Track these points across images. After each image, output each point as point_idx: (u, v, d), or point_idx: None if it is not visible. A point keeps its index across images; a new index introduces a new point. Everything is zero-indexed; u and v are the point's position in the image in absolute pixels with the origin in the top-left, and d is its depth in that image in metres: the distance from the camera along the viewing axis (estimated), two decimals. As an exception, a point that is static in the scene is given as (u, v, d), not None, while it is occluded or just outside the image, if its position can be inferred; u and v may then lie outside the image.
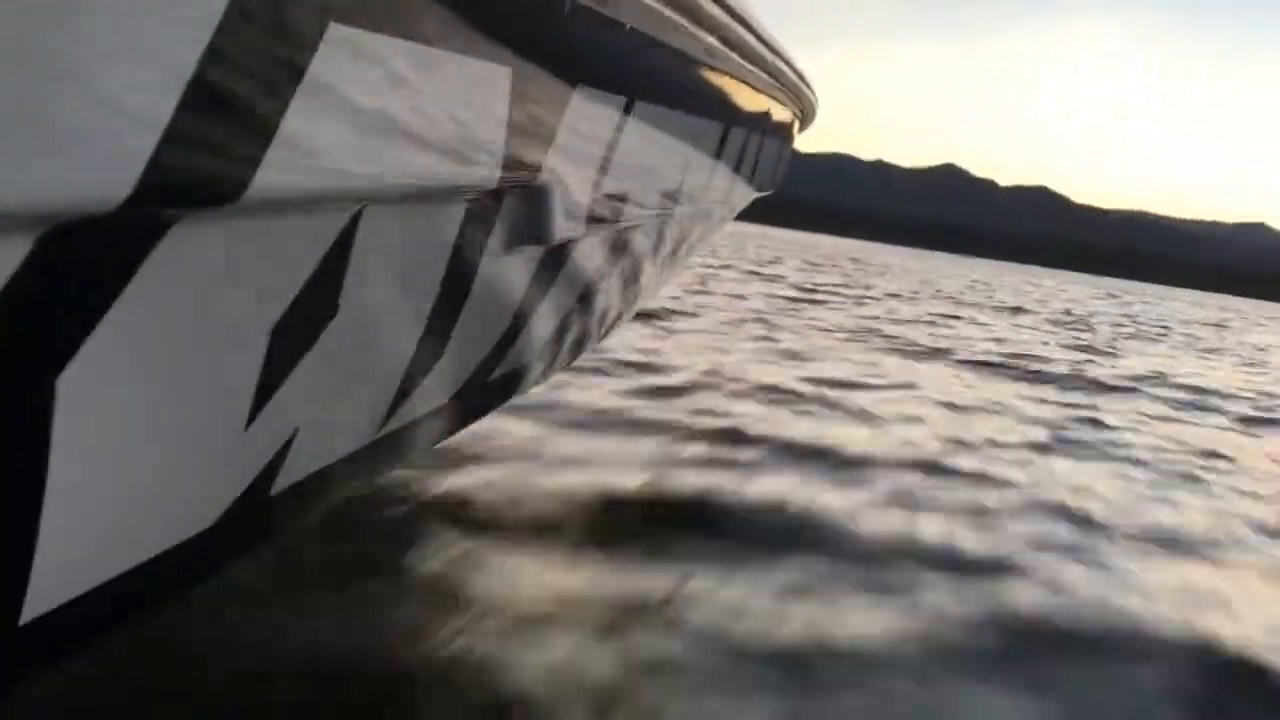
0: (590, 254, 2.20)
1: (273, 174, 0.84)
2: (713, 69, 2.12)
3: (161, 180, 0.71)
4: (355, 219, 1.16)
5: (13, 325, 0.78)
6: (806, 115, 3.69)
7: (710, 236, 4.02)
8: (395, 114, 1.00)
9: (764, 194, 3.89)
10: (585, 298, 2.51)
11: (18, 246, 0.73)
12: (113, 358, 0.91)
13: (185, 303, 0.98)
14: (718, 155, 2.59)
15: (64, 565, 1.00)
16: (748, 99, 2.63)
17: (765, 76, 2.64)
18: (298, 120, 0.84)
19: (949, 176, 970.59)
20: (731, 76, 2.33)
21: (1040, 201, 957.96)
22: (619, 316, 3.44)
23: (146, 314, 0.92)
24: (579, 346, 3.14)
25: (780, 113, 3.17)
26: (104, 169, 0.66)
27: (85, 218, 0.72)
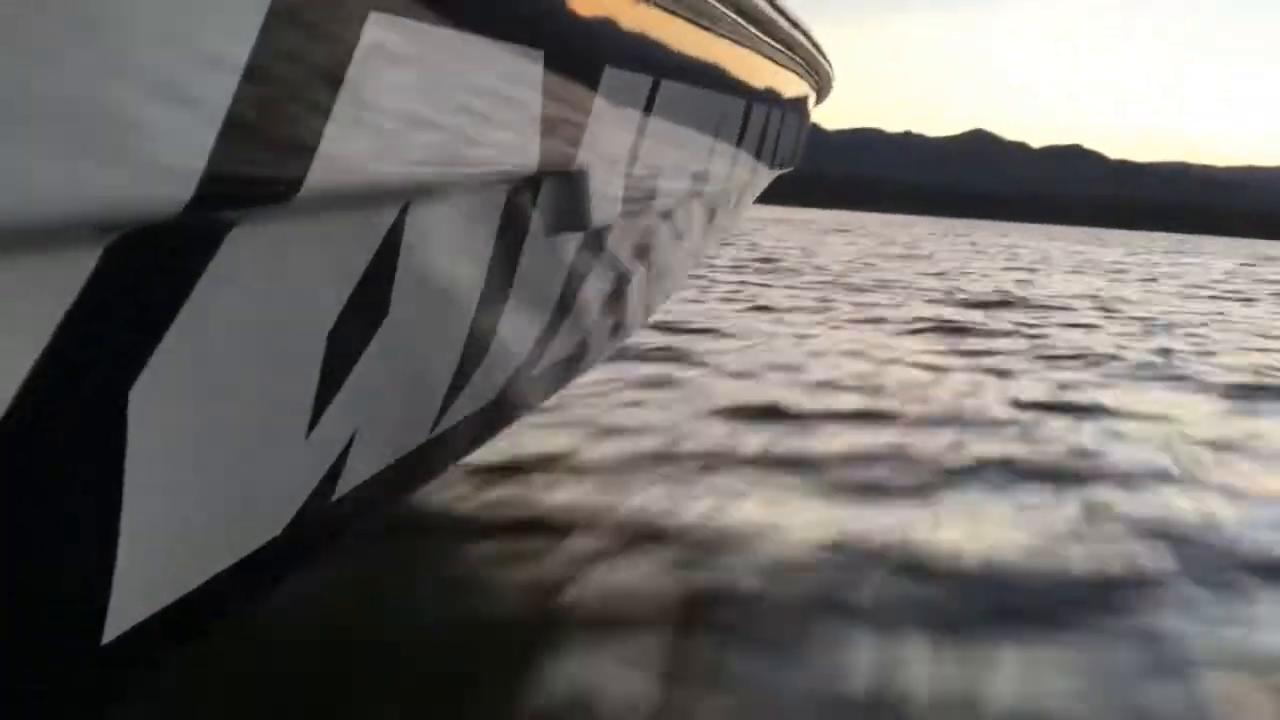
0: (625, 239, 2.22)
1: (323, 169, 0.85)
2: (734, 43, 2.12)
3: (220, 182, 0.72)
4: (402, 215, 1.18)
5: (84, 340, 0.78)
6: (824, 88, 3.67)
7: (738, 216, 4.03)
8: (435, 102, 1.02)
9: (786, 170, 3.88)
10: (621, 284, 2.52)
11: (85, 259, 0.73)
12: (179, 369, 0.92)
13: (245, 309, 0.99)
14: (741, 132, 2.57)
15: (141, 582, 1.00)
16: (768, 73, 2.62)
17: (783, 50, 2.64)
18: (345, 113, 0.85)
19: (979, 143, 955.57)
20: (752, 50, 2.32)
21: (1075, 160, 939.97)
22: (656, 301, 3.50)
23: (209, 323, 0.93)
24: (620, 333, 3.15)
25: (799, 86, 3.15)
26: (165, 173, 0.67)
27: (148, 225, 0.73)
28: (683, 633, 2.31)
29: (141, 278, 0.82)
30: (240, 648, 2.02)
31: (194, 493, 1.04)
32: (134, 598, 0.99)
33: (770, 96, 2.76)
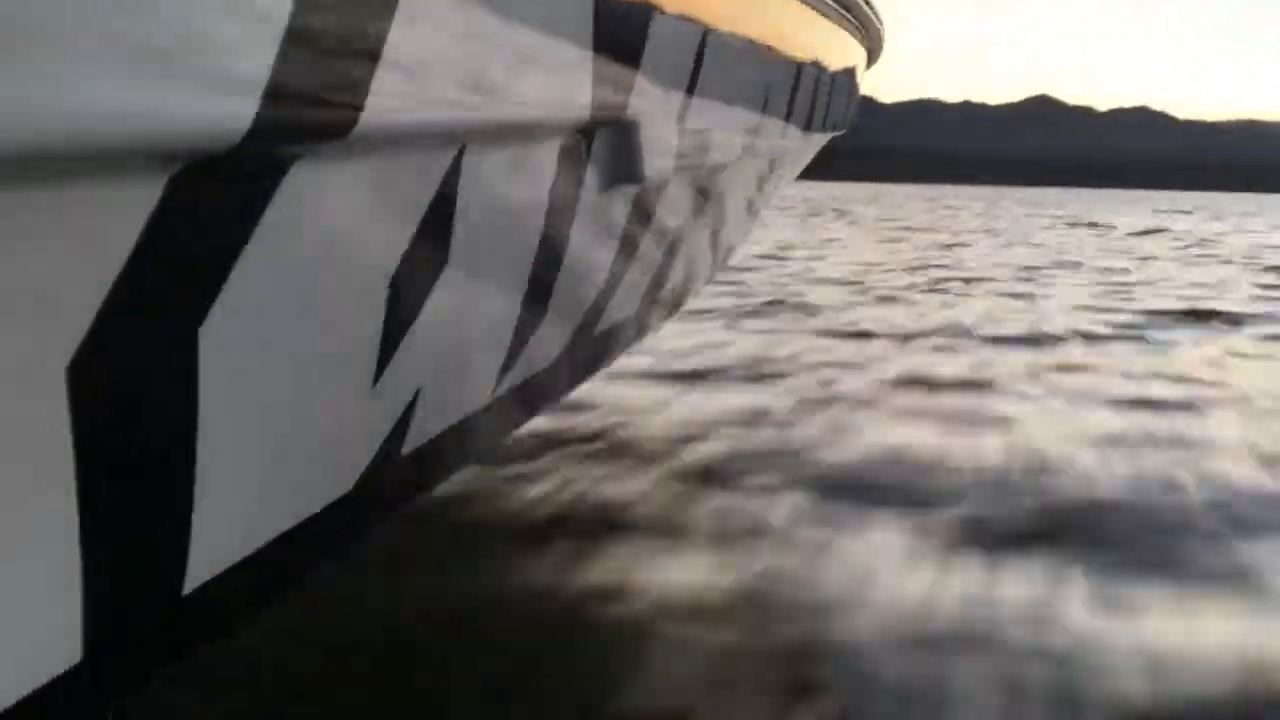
0: (681, 198, 2.18)
1: (379, 105, 0.85)
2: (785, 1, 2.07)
3: (276, 114, 0.72)
4: (458, 163, 1.17)
5: (155, 272, 0.77)
6: (875, 48, 3.54)
7: (790, 177, 3.91)
8: (488, 45, 1.01)
9: (838, 133, 3.75)
10: (677, 245, 2.47)
11: (150, 190, 0.73)
12: (247, 306, 0.90)
13: (309, 249, 0.97)
14: (793, 91, 2.48)
15: (219, 533, 0.99)
16: (821, 32, 2.54)
17: (836, 6, 2.56)
18: (398, 50, 0.85)
19: (1043, 107, 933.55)
20: (805, 6, 2.26)
21: (1142, 122, 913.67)
22: (717, 262, 3.42)
23: (274, 262, 0.92)
24: (679, 297, 3.10)
25: (851, 47, 3.04)
26: (222, 104, 0.67)
27: (210, 157, 0.73)
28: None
29: (206, 213, 0.80)
30: (313, 612, 2.05)
31: (265, 443, 1.02)
32: (211, 550, 0.99)
33: (823, 55, 2.68)
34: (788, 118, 2.59)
